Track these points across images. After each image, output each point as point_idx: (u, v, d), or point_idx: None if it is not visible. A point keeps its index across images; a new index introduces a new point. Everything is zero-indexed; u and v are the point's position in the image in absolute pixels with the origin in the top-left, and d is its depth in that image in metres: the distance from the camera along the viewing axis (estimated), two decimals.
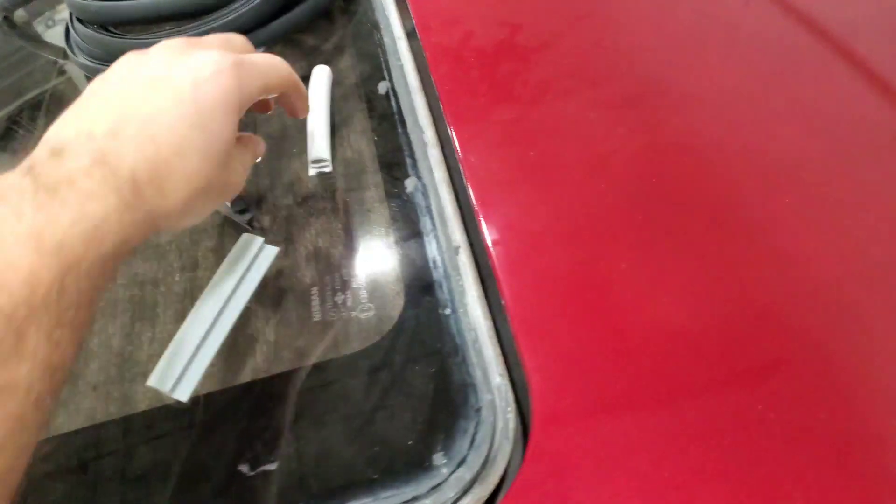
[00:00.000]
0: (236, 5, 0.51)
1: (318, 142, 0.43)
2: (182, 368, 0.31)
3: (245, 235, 0.37)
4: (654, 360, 0.30)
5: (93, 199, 0.23)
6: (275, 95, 0.34)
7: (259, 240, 0.37)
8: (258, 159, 0.35)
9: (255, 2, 0.51)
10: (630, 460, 0.27)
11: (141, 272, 0.40)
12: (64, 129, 0.26)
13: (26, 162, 0.24)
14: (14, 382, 0.19)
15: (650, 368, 0.29)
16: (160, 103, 0.26)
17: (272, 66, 0.32)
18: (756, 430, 0.27)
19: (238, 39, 0.33)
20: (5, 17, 0.73)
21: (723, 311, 0.31)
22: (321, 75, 0.47)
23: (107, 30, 0.54)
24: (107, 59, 0.54)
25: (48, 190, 0.23)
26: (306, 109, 0.37)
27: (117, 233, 0.24)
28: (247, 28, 0.51)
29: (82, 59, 0.56)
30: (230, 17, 0.50)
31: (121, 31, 0.54)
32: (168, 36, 0.51)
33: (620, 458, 0.27)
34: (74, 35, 0.57)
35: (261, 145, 0.35)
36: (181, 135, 0.26)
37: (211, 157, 0.27)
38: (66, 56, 0.60)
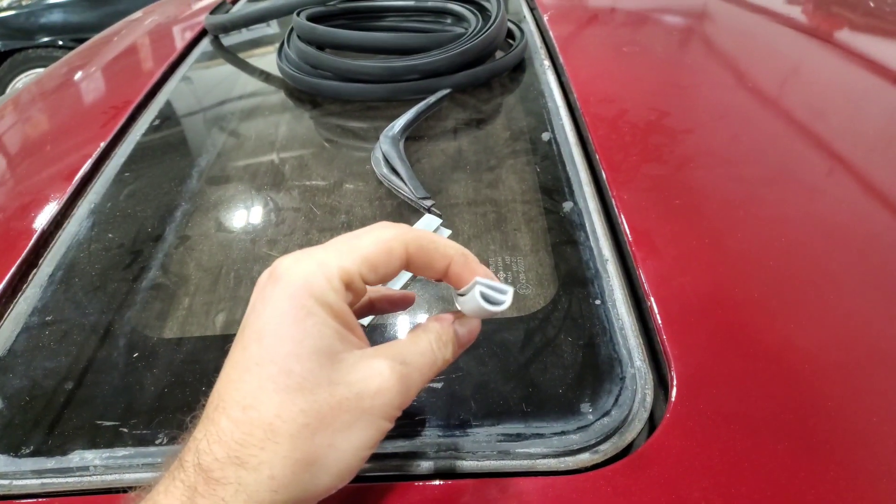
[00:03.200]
0: (435, 52, 0.62)
1: None
2: None
3: (427, 215, 0.44)
4: (780, 367, 0.34)
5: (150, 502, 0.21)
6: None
7: (437, 221, 0.44)
8: (462, 345, 0.27)
9: (451, 53, 0.61)
10: (752, 463, 0.30)
11: (316, 240, 0.47)
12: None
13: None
14: None
15: (777, 372, 0.33)
16: (232, 357, 0.23)
17: (373, 234, 0.25)
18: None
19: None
20: (216, 37, 0.88)
21: (857, 336, 0.35)
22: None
23: (321, 50, 0.66)
24: (312, 73, 0.66)
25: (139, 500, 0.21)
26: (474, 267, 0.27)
27: None
28: (441, 72, 0.61)
29: (290, 71, 0.67)
30: (428, 60, 0.61)
31: (334, 53, 0.65)
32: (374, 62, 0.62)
33: (744, 459, 0.30)
34: (288, 50, 0.69)
35: (469, 327, 0.27)
36: (246, 381, 0.22)
37: (302, 385, 0.22)
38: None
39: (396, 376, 0.23)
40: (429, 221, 0.45)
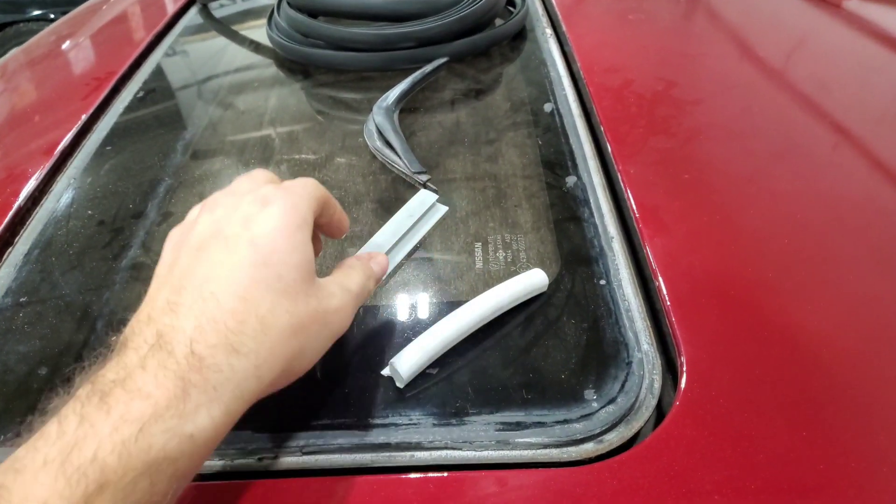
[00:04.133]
0: (431, 19, 0.59)
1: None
2: None
3: (423, 191, 0.42)
4: (795, 351, 0.32)
5: (142, 394, 0.20)
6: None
7: (433, 197, 0.42)
8: (377, 279, 0.32)
9: (449, 20, 0.58)
10: (767, 453, 0.28)
11: None
12: (134, 318, 0.24)
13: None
14: None
15: (791, 356, 0.31)
16: (216, 258, 0.24)
17: (306, 181, 0.29)
18: None
19: (261, 174, 0.30)
20: (203, 6, 0.85)
21: (864, 315, 0.33)
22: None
23: (314, 17, 0.62)
24: (303, 42, 0.63)
25: (102, 395, 0.20)
26: (345, 223, 0.33)
27: (172, 429, 0.20)
28: (437, 39, 0.58)
29: (280, 40, 0.64)
30: (424, 27, 0.58)
31: (326, 21, 0.62)
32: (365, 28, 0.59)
33: (758, 449, 0.28)
34: (278, 18, 0.66)
35: (379, 262, 0.33)
36: (242, 277, 0.23)
37: (287, 290, 0.24)
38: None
39: (347, 300, 0.28)
40: (424, 198, 0.42)
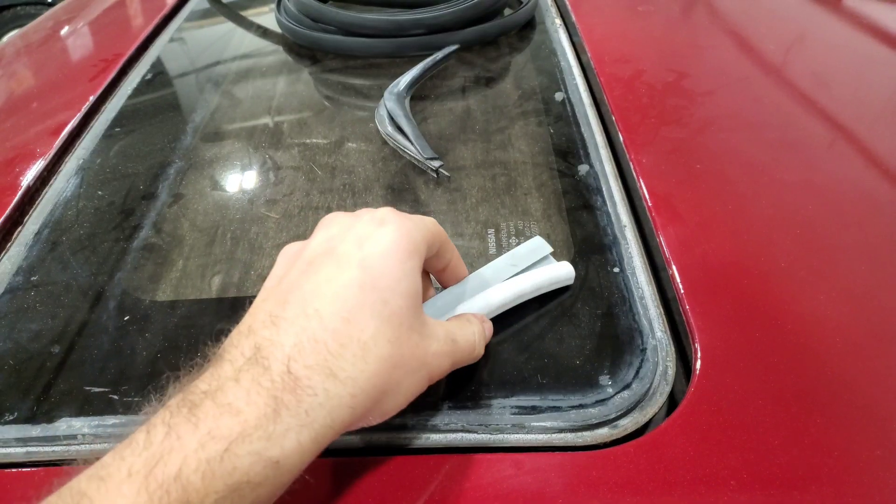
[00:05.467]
0: (442, 6, 0.58)
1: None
2: None
3: (536, 238, 0.37)
4: (809, 339, 0.32)
5: (231, 410, 0.19)
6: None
7: (546, 248, 0.36)
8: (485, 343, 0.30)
9: (460, 7, 0.58)
10: (782, 441, 0.28)
11: (317, 201, 0.45)
12: (235, 329, 0.23)
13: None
14: None
15: (805, 344, 0.31)
16: (324, 274, 0.24)
17: (424, 217, 0.28)
18: None
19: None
20: None
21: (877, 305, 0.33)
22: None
23: (323, 2, 0.62)
24: (313, 27, 0.62)
25: (191, 406, 0.20)
26: (463, 270, 0.32)
27: (259, 452, 0.19)
28: (448, 27, 0.58)
29: (290, 24, 0.64)
30: (435, 14, 0.58)
31: (336, 5, 0.62)
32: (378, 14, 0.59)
33: (773, 436, 0.28)
34: (287, 3, 0.65)
35: (489, 327, 0.31)
36: (348, 298, 0.22)
37: (392, 318, 0.23)
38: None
39: (448, 348, 0.26)
40: (535, 245, 0.36)
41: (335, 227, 0.26)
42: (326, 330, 0.22)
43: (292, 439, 0.20)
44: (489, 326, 0.31)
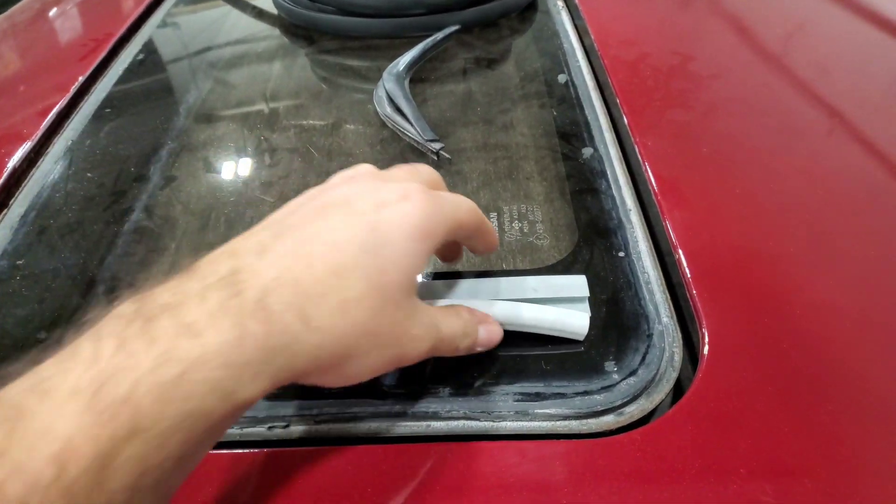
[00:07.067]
0: None
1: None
2: None
3: (581, 277, 0.32)
4: (818, 326, 0.31)
5: (191, 331, 0.18)
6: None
7: (585, 292, 0.32)
8: (477, 344, 0.29)
9: None
10: (793, 427, 0.27)
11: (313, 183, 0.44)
12: (219, 248, 0.22)
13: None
14: None
15: (814, 331, 0.31)
16: (330, 223, 0.23)
17: (461, 201, 0.27)
18: None
19: (426, 170, 0.28)
20: None
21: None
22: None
23: None
24: (309, 6, 0.61)
25: (147, 319, 0.18)
26: (494, 245, 0.30)
27: (218, 380, 0.18)
28: (449, 7, 0.57)
29: (286, 4, 0.62)
30: None
31: None
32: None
33: (784, 423, 0.27)
34: None
35: (490, 330, 0.29)
36: (345, 253, 0.21)
37: (382, 289, 0.22)
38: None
39: (431, 337, 0.25)
40: (573, 283, 0.32)
41: (360, 185, 0.25)
42: (313, 275, 0.21)
43: (251, 373, 0.19)
44: (490, 329, 0.29)
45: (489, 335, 0.29)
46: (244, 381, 0.19)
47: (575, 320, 0.30)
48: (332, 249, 0.21)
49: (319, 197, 0.25)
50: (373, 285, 0.22)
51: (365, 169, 0.27)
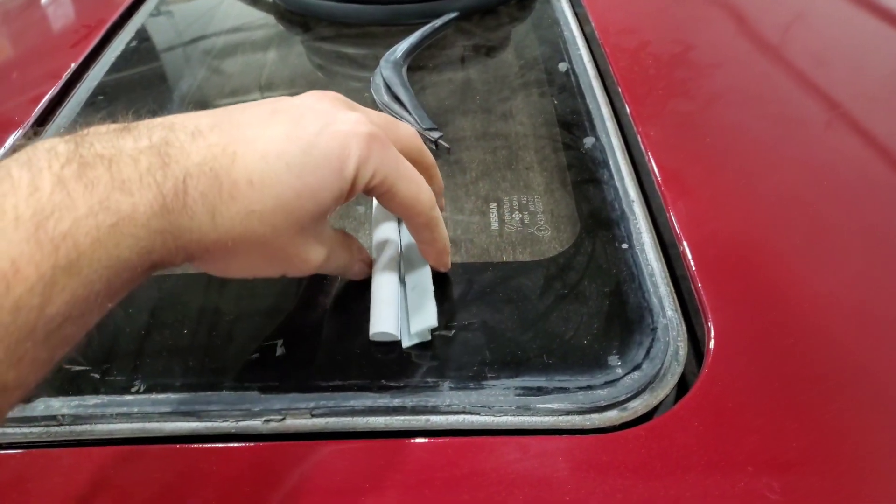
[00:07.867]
0: None
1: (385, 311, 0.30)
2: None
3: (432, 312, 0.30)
4: (824, 319, 0.30)
5: (125, 188, 0.19)
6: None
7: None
8: (349, 275, 0.31)
9: None
10: (801, 423, 0.27)
11: None
12: (161, 118, 0.22)
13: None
14: None
15: (820, 324, 0.30)
16: (270, 131, 0.23)
17: (417, 179, 0.27)
18: None
19: (406, 132, 0.29)
20: None
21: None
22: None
23: None
24: None
25: (83, 164, 0.18)
26: (444, 253, 0.31)
27: (141, 238, 0.19)
28: None
29: None
30: None
31: None
32: None
33: (792, 419, 0.27)
34: None
35: (362, 265, 0.31)
36: (270, 166, 0.22)
37: (291, 212, 0.22)
38: None
39: (319, 262, 0.26)
40: (427, 311, 0.31)
41: (321, 104, 0.25)
42: (230, 176, 0.21)
43: (162, 240, 0.20)
44: (365, 272, 0.32)
45: (359, 275, 0.31)
46: (157, 246, 0.20)
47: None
48: (259, 158, 0.22)
49: (279, 102, 0.25)
50: (283, 205, 0.22)
51: (339, 94, 0.27)
